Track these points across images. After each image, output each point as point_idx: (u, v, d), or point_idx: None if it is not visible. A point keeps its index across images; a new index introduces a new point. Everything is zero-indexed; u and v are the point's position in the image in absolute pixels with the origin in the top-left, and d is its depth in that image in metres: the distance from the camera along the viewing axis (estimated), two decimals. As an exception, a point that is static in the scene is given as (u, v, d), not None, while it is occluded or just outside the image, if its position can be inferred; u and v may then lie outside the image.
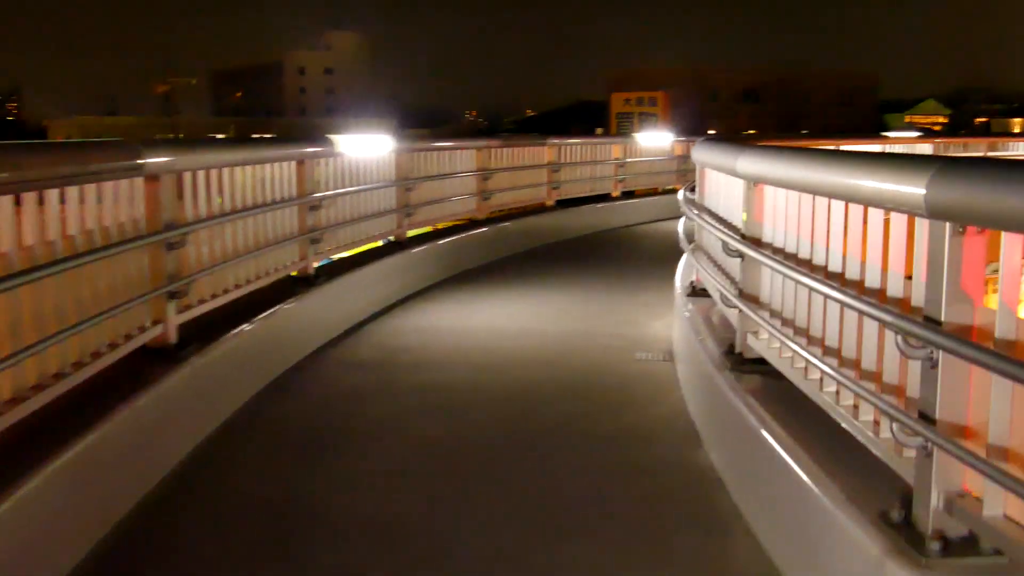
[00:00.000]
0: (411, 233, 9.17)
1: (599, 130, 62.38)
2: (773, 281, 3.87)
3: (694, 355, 5.04)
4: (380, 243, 8.53)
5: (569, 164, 13.24)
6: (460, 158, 10.31)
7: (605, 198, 14.40)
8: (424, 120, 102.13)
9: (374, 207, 8.10)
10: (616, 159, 14.54)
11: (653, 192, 15.78)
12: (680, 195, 6.81)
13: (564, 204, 13.11)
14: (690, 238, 6.24)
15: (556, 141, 12.81)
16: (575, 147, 13.45)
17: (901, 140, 15.84)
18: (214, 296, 5.18)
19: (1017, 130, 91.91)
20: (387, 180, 8.40)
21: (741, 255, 4.20)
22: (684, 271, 6.83)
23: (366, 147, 7.72)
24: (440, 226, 10.16)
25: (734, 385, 4.00)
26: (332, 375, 5.91)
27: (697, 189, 6.31)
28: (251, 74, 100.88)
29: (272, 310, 5.79)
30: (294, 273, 6.54)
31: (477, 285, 9.13)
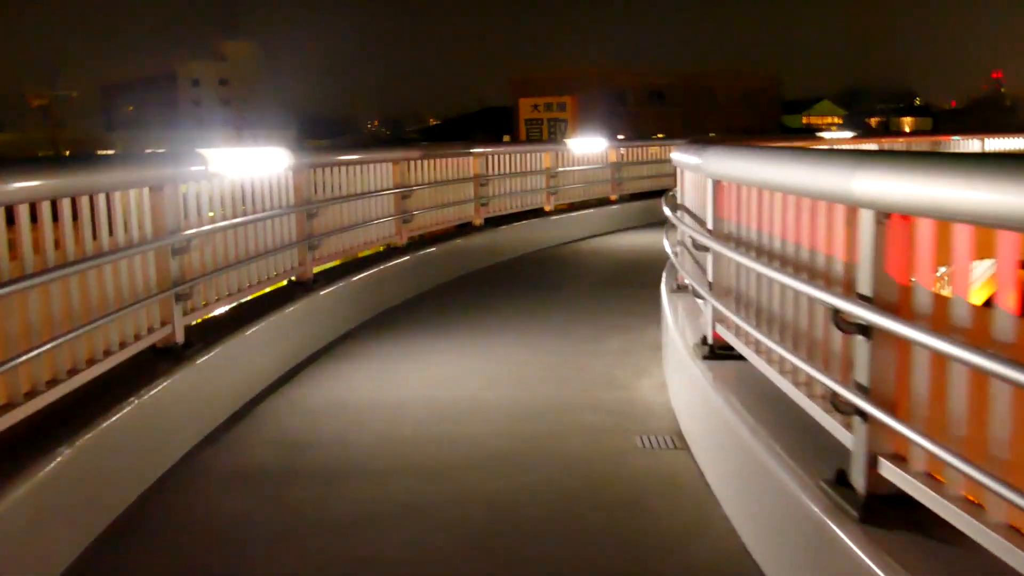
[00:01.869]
0: (318, 269, 7.31)
1: (506, 137, 60.95)
2: (738, 273, 4.08)
3: (743, 451, 3.43)
4: (272, 287, 6.61)
5: (498, 176, 11.50)
6: (374, 173, 8.46)
7: (538, 213, 12.71)
8: (324, 130, 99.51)
9: (267, 241, 6.21)
10: (548, 169, 12.85)
11: (587, 204, 14.14)
12: (665, 199, 6.44)
13: (493, 222, 11.37)
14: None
15: (483, 150, 11.05)
16: (503, 157, 11.71)
17: (838, 141, 14.84)
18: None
19: (907, 129, 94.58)
20: (283, 206, 6.52)
21: (708, 249, 4.44)
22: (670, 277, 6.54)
23: (253, 164, 5.82)
24: (352, 257, 8.29)
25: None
26: (202, 502, 4.01)
27: (677, 190, 6.31)
28: (143, 86, 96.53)
29: (118, 408, 3.91)
30: (155, 344, 4.65)
31: (404, 331, 7.31)
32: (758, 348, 3.76)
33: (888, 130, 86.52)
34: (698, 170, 4.73)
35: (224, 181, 5.50)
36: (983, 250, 2.32)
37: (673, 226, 5.97)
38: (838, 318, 2.70)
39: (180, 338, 4.80)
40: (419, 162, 9.49)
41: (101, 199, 4.08)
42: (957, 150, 17.17)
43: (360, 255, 8.45)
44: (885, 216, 2.56)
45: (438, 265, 9.56)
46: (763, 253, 3.73)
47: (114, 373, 4.18)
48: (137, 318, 4.41)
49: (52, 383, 3.60)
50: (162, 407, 4.33)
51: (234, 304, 5.75)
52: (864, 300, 2.61)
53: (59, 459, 3.36)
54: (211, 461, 4.45)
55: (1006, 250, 2.15)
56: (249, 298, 6.01)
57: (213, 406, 4.96)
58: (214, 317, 5.55)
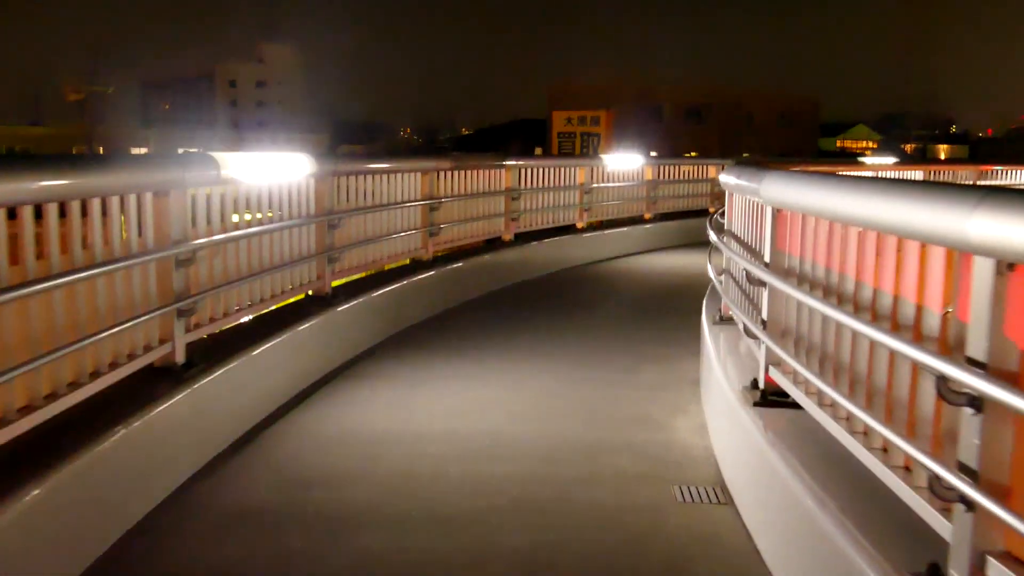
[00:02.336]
0: (338, 283, 6.92)
1: (538, 150, 60.53)
2: (799, 312, 3.69)
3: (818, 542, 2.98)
4: (286, 301, 6.21)
5: (530, 190, 11.08)
6: (402, 183, 8.07)
7: (569, 229, 12.28)
8: (359, 136, 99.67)
9: (283, 253, 5.82)
10: (581, 184, 12.42)
11: (620, 222, 13.67)
12: (710, 221, 6.27)
13: (523, 237, 10.95)
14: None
15: (515, 163, 10.64)
16: (536, 170, 11.29)
17: (879, 167, 14.29)
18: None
19: (943, 156, 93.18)
20: (303, 215, 6.14)
21: (765, 284, 3.97)
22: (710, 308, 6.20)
23: (271, 170, 5.44)
24: (375, 270, 7.90)
25: None
26: (187, 548, 3.58)
27: (725, 214, 5.96)
28: (181, 85, 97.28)
29: (100, 439, 3.52)
30: (152, 364, 4.26)
31: (427, 352, 6.89)
32: (821, 399, 3.35)
33: (924, 157, 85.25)
34: (755, 195, 4.34)
35: (239, 187, 5.12)
36: None
37: (718, 250, 5.71)
38: (942, 386, 2.25)
39: (180, 357, 4.41)
40: (449, 173, 9.10)
41: (96, 204, 3.70)
42: (1006, 182, 16.57)
43: (384, 268, 8.06)
44: (1008, 267, 2.12)
45: (465, 281, 9.16)
46: (832, 293, 3.31)
47: (103, 397, 3.80)
48: (132, 335, 4.02)
49: (26, 410, 3.21)
50: (154, 436, 3.93)
51: (244, 320, 5.35)
52: (976, 366, 2.18)
53: (27, 499, 2.97)
54: (204, 498, 4.04)
55: None
56: (261, 313, 5.61)
57: (213, 433, 4.56)
58: (221, 333, 5.15)
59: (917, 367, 2.53)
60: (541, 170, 11.41)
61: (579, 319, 8.48)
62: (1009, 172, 17.29)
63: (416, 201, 8.31)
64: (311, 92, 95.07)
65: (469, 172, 9.55)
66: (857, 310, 3.05)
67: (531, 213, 11.17)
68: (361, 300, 6.91)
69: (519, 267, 10.49)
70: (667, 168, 14.88)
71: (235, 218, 5.14)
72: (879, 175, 11.37)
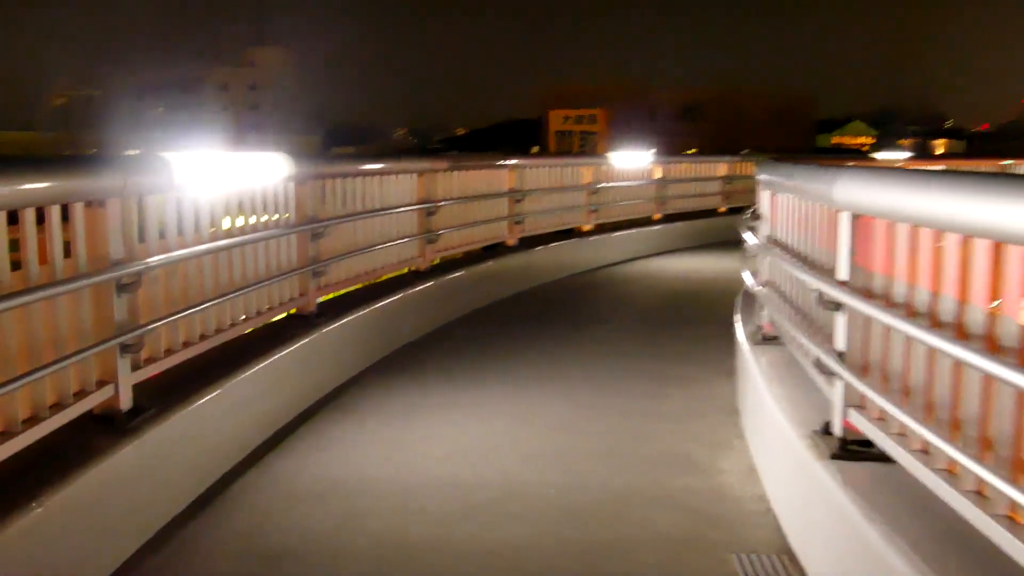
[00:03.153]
0: (325, 298, 6.14)
1: (534, 149, 59.84)
2: (887, 342, 2.95)
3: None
4: (260, 325, 5.41)
5: (534, 192, 10.31)
6: (396, 186, 7.29)
7: (576, 233, 11.50)
8: (352, 138, 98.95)
9: (257, 269, 5.04)
10: (588, 184, 11.64)
11: (628, 224, 12.90)
12: (743, 220, 5.92)
13: (527, 242, 10.18)
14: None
15: (518, 162, 9.86)
16: (540, 170, 10.51)
17: (890, 163, 13.59)
18: None
19: (940, 151, 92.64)
20: (281, 224, 5.36)
21: (840, 307, 3.28)
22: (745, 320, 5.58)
23: (240, 173, 4.65)
24: (368, 282, 7.11)
25: None
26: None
27: (767, 218, 5.24)
28: (172, 89, 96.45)
29: (25, 509, 2.75)
30: (92, 411, 3.48)
31: (423, 377, 6.12)
32: (927, 457, 2.66)
33: (924, 153, 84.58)
34: (822, 199, 3.61)
35: (203, 194, 4.33)
36: None
37: (754, 256, 5.28)
38: None
39: (126, 403, 3.61)
40: (447, 174, 8.32)
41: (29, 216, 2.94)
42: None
43: (378, 279, 7.27)
44: None
45: (466, 291, 8.38)
46: (944, 325, 2.57)
47: (22, 459, 3.01)
48: (59, 381, 3.24)
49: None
50: (89, 501, 3.15)
51: (208, 349, 4.54)
52: None
53: None
54: (151, 580, 3.26)
55: None
56: (231, 339, 4.81)
57: (167, 493, 3.76)
58: (180, 368, 4.32)
59: None
60: (545, 170, 10.63)
61: (590, 333, 7.70)
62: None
63: (411, 205, 7.54)
64: (304, 95, 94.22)
65: (468, 173, 8.78)
66: (990, 348, 2.32)
67: (536, 216, 10.39)
68: (349, 319, 6.12)
69: (524, 274, 9.72)
70: (678, 167, 14.11)
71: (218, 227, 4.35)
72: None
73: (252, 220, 4.99)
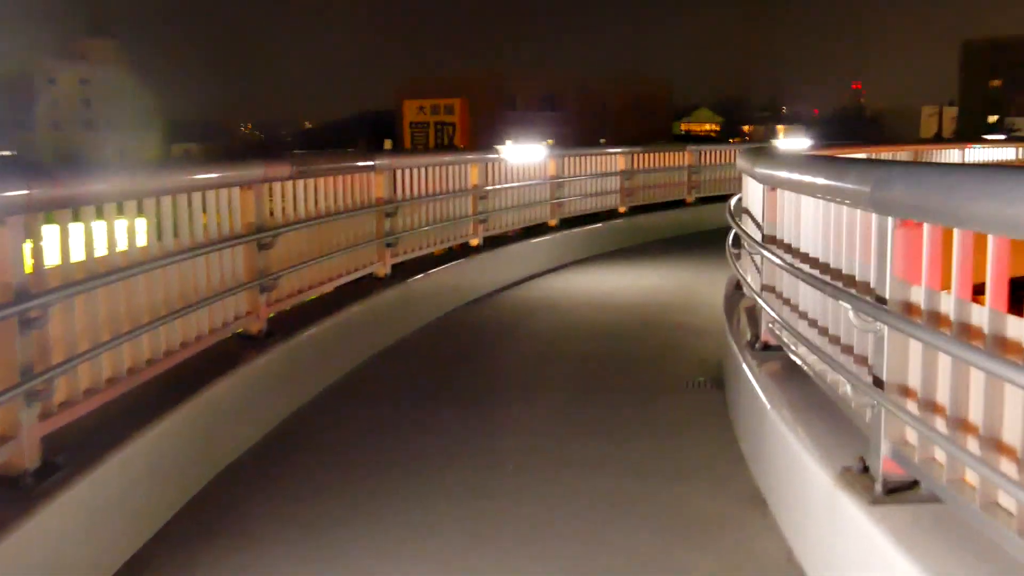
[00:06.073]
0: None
1: (387, 143, 56.77)
2: (936, 370, 2.70)
3: None
4: None
5: (410, 201, 7.78)
6: (213, 209, 4.65)
7: (461, 251, 9.04)
8: (195, 134, 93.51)
9: None
10: (475, 187, 9.17)
11: (520, 234, 10.54)
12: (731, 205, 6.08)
13: (402, 270, 7.65)
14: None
15: (388, 162, 7.31)
16: (417, 172, 7.99)
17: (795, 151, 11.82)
18: None
19: (782, 136, 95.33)
20: None
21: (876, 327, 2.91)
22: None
23: None
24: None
25: None
26: None
27: (763, 215, 4.71)
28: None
29: None
30: None
31: (299, 494, 3.53)
32: (992, 505, 2.34)
33: (772, 138, 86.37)
34: (866, 202, 2.94)
35: None
36: None
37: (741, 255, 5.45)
38: None
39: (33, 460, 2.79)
40: (290, 184, 5.72)
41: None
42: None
43: (166, 366, 4.58)
44: None
45: (320, 356, 5.81)
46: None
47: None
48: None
49: None
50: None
51: None
52: None
53: None
54: None
55: None
56: None
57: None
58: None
59: None
60: (423, 171, 8.09)
61: (510, 421, 5.26)
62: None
63: (236, 239, 4.91)
64: (141, 89, 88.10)
65: (320, 181, 6.17)
66: None
67: (412, 235, 7.85)
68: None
69: (399, 315, 7.20)
70: (575, 161, 11.78)
71: None
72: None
73: None
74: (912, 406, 2.77)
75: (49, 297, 3.15)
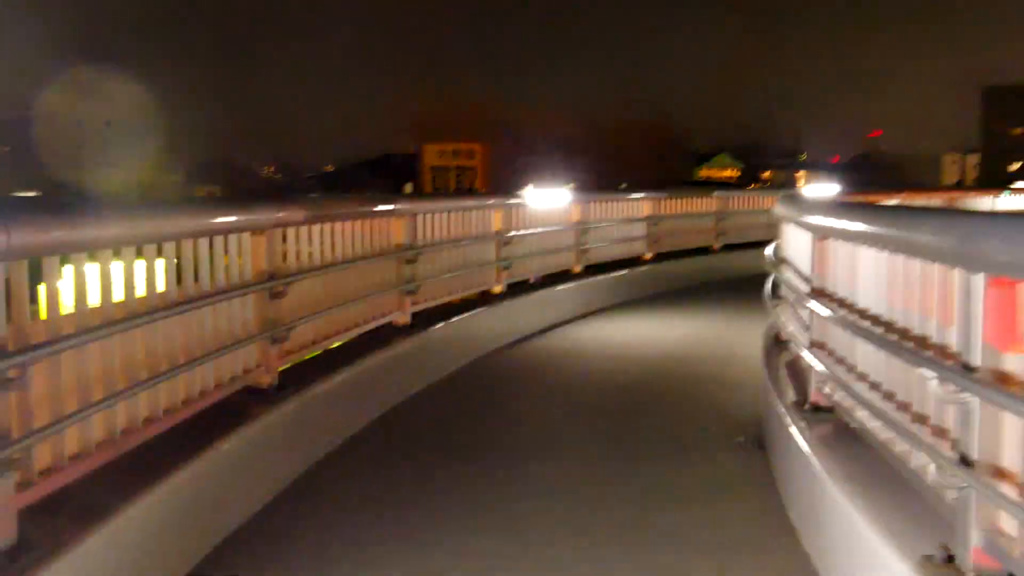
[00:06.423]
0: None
1: (408, 186, 56.95)
2: None
3: None
4: None
5: (432, 246, 7.48)
6: (232, 254, 4.35)
7: (482, 299, 8.72)
8: (218, 176, 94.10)
9: None
10: (498, 233, 8.87)
11: (543, 281, 10.20)
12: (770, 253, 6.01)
13: (423, 319, 7.31)
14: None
15: (410, 207, 7.03)
16: (439, 218, 7.70)
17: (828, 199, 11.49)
18: None
19: (802, 183, 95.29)
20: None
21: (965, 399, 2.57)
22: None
23: None
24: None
25: None
26: None
27: (813, 266, 4.48)
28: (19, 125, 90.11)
29: None
30: None
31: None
32: None
33: (793, 184, 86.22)
34: (953, 258, 2.70)
35: None
36: None
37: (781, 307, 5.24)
38: None
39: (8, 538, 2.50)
40: (305, 228, 5.42)
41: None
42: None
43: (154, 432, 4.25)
44: None
45: (334, 411, 5.47)
46: None
47: None
48: None
49: None
50: None
51: None
52: None
53: None
54: None
55: None
56: None
57: None
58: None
59: None
60: (445, 216, 7.80)
61: (518, 473, 4.91)
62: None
63: (248, 286, 4.61)
64: (165, 130, 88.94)
65: (336, 225, 5.88)
66: None
67: (433, 281, 7.54)
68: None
69: (418, 366, 6.86)
70: (597, 206, 11.47)
71: None
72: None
73: None
74: (1008, 489, 2.45)
75: (28, 356, 2.84)
